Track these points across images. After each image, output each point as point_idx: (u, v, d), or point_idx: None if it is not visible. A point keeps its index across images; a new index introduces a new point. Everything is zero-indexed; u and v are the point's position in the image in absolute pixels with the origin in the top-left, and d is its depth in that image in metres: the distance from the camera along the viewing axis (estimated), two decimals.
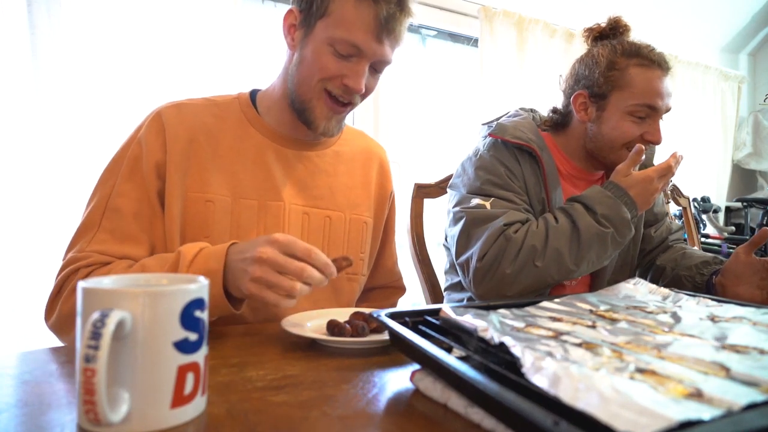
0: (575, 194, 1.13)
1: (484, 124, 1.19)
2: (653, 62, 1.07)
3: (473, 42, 2.60)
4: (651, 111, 1.07)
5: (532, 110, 1.25)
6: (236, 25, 1.90)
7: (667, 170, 0.98)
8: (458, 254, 1.04)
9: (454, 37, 2.69)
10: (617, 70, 1.07)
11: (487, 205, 1.02)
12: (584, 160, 1.16)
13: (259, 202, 0.87)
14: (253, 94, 0.95)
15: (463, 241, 1.03)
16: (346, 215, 0.96)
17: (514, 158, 1.08)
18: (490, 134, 1.11)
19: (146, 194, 0.82)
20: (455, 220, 1.06)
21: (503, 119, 1.16)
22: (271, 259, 0.63)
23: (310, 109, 0.85)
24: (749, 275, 1.01)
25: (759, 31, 3.76)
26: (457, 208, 1.06)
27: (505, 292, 0.97)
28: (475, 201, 1.04)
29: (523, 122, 1.13)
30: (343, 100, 0.85)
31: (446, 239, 1.18)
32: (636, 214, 0.99)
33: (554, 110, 1.20)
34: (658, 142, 1.08)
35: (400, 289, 1.13)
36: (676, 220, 2.02)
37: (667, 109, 1.09)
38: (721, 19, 3.52)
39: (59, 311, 0.75)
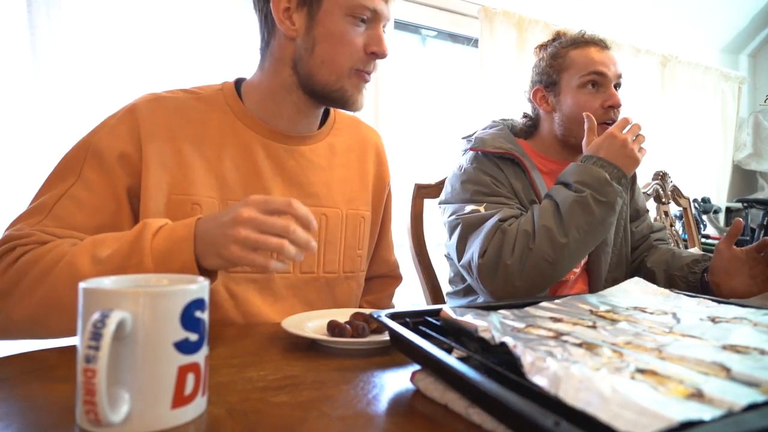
0: None
1: (463, 138, 1.22)
2: (588, 42, 1.17)
3: (473, 42, 2.60)
4: (600, 77, 1.13)
5: (504, 120, 1.29)
6: (236, 25, 1.90)
7: (625, 122, 1.02)
8: (459, 258, 1.06)
9: (454, 37, 2.69)
10: (560, 58, 1.18)
11: (481, 209, 1.05)
12: (562, 153, 1.21)
13: None
14: (239, 83, 0.89)
15: (462, 245, 1.05)
16: (343, 211, 0.93)
17: (497, 167, 1.12)
18: (470, 148, 1.15)
19: (112, 188, 0.75)
20: (452, 228, 1.09)
21: (479, 132, 1.20)
22: (252, 219, 0.58)
23: (341, 89, 0.82)
24: (738, 268, 1.01)
25: (759, 31, 3.77)
26: (453, 217, 1.09)
27: (513, 282, 0.97)
28: (470, 207, 1.07)
29: (500, 133, 1.18)
30: (370, 70, 0.84)
31: (447, 251, 1.20)
32: (618, 172, 0.98)
33: (525, 115, 1.28)
34: (618, 105, 1.13)
35: (397, 278, 1.12)
36: (677, 221, 2.02)
37: (617, 75, 1.15)
38: (721, 20, 3.52)
39: None
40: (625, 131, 1.02)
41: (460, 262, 1.06)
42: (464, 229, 1.05)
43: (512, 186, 1.11)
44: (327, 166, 0.92)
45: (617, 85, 1.16)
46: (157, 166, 0.78)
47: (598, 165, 0.99)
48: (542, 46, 1.24)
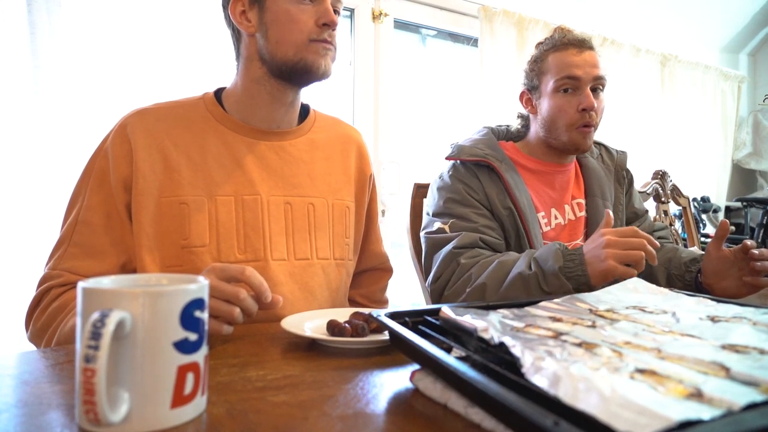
0: (549, 192, 1.21)
1: (450, 145, 1.25)
2: (567, 44, 1.16)
3: (473, 42, 2.60)
4: (574, 81, 1.14)
5: (499, 125, 1.32)
6: None
7: (632, 231, 0.87)
8: (425, 276, 1.13)
9: (454, 37, 2.69)
10: (541, 61, 1.20)
11: (447, 228, 1.10)
12: (547, 154, 1.23)
13: (236, 198, 0.87)
14: (219, 92, 0.95)
15: (427, 265, 1.12)
16: (329, 201, 0.96)
17: (472, 175, 1.15)
18: (446, 157, 1.20)
19: (115, 207, 0.83)
20: (422, 245, 1.15)
21: (463, 140, 1.24)
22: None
23: (302, 59, 0.85)
24: (727, 269, 1.01)
25: (759, 31, 3.76)
26: (423, 233, 1.16)
27: None
28: (437, 225, 1.12)
29: (483, 139, 1.22)
30: (328, 38, 0.86)
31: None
32: (579, 276, 0.88)
33: (519, 115, 1.31)
34: (591, 107, 1.13)
35: (388, 271, 1.14)
36: (677, 220, 2.02)
37: (595, 77, 1.14)
38: (721, 19, 3.52)
39: (33, 327, 0.80)
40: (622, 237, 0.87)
41: (426, 282, 1.12)
42: (428, 248, 1.12)
43: (487, 194, 1.13)
44: (309, 160, 0.96)
45: (597, 87, 1.16)
46: (146, 173, 0.83)
47: (566, 256, 0.91)
48: (540, 44, 1.25)
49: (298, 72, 0.87)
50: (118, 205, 0.83)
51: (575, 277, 0.89)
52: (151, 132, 0.86)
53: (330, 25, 0.86)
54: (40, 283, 0.81)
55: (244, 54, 0.90)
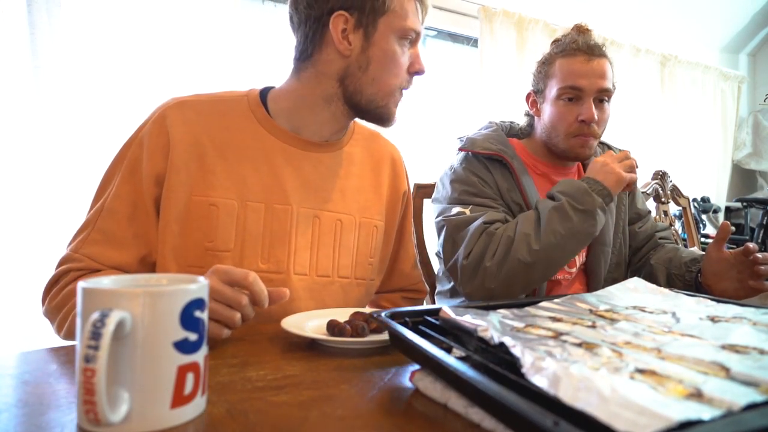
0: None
1: (458, 138, 1.24)
2: (576, 50, 1.14)
3: (473, 42, 2.60)
4: (577, 92, 1.13)
5: (503, 121, 1.32)
6: (236, 25, 1.90)
7: (623, 156, 1.06)
8: (446, 260, 1.09)
9: (454, 37, 2.69)
10: (549, 65, 1.18)
11: (467, 211, 1.08)
12: (549, 156, 1.23)
13: (266, 206, 0.85)
14: (264, 92, 0.92)
15: (449, 247, 1.09)
16: (357, 219, 0.94)
17: (485, 168, 1.14)
18: (460, 149, 1.18)
19: (142, 199, 0.81)
20: (439, 230, 1.13)
21: (472, 133, 1.23)
22: (211, 289, 0.59)
23: (386, 106, 0.87)
24: (726, 271, 1.02)
25: (759, 31, 3.77)
26: (440, 218, 1.13)
27: (490, 284, 1.00)
28: (456, 209, 1.10)
29: (492, 134, 1.20)
30: (408, 88, 0.89)
31: (438, 250, 1.22)
32: (598, 185, 1.01)
33: (526, 113, 1.30)
34: (590, 120, 1.12)
35: (420, 292, 1.10)
36: (677, 221, 2.02)
37: (600, 89, 1.12)
38: (721, 19, 3.52)
39: (48, 304, 0.80)
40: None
41: (447, 266, 1.09)
42: (449, 231, 1.08)
43: (499, 187, 1.13)
44: (344, 175, 0.94)
45: (602, 98, 1.14)
46: (180, 169, 0.82)
47: (582, 180, 1.03)
48: (555, 42, 1.23)
49: (373, 114, 0.88)
50: (146, 197, 0.81)
51: (599, 191, 1.01)
52: (191, 127, 0.83)
53: (419, 73, 0.88)
54: (61, 263, 0.81)
55: (319, 67, 0.86)
